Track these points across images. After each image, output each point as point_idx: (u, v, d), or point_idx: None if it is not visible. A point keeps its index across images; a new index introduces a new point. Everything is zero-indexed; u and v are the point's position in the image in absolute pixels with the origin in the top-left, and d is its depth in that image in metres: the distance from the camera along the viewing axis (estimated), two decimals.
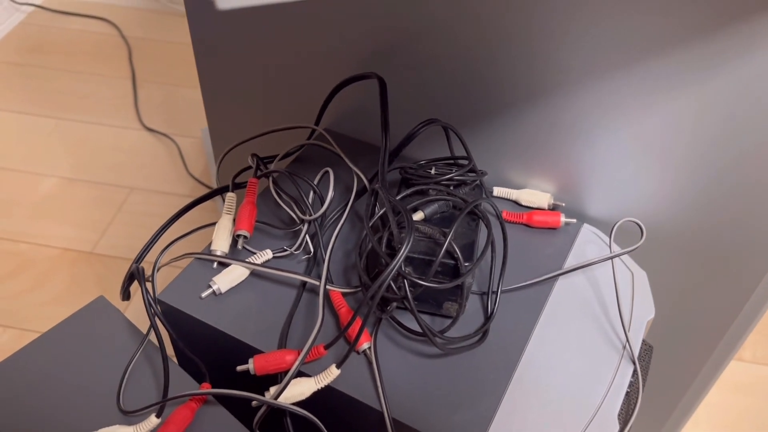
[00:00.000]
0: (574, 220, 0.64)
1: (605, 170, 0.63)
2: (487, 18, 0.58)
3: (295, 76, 0.71)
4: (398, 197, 0.57)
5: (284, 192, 0.62)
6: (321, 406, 0.50)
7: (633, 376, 0.54)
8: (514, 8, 0.56)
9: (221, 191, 0.63)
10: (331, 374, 0.50)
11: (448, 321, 0.55)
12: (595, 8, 0.54)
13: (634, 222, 0.61)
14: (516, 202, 0.65)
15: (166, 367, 0.52)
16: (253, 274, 0.58)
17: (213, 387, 0.51)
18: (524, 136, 0.64)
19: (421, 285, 0.50)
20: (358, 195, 0.64)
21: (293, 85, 0.72)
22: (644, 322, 0.58)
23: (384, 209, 0.55)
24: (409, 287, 0.51)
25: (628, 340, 0.56)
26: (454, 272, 0.53)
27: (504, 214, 0.63)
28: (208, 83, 0.78)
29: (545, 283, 0.59)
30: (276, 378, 0.51)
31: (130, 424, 0.49)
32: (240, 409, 0.51)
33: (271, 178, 0.63)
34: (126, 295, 0.58)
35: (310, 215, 0.60)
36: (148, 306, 0.53)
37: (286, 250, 0.59)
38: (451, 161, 0.61)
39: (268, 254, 0.58)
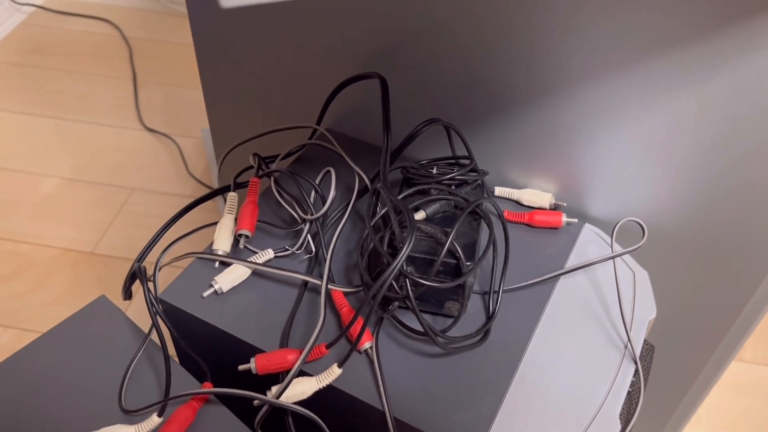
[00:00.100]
0: (576, 220, 0.64)
1: (606, 170, 0.63)
2: (488, 18, 0.58)
3: (297, 75, 0.71)
4: (400, 197, 0.57)
5: (286, 192, 0.62)
6: (323, 405, 0.50)
7: (634, 375, 0.54)
8: (515, 8, 0.56)
9: (223, 191, 0.64)
10: (332, 373, 0.50)
11: (450, 320, 0.55)
12: (596, 8, 0.54)
13: (635, 222, 0.61)
14: (517, 202, 0.66)
15: (168, 367, 0.52)
16: (255, 273, 0.58)
17: (214, 386, 0.51)
18: (525, 136, 0.64)
19: (423, 284, 0.50)
20: (360, 195, 0.64)
21: (294, 85, 0.72)
22: (646, 321, 0.58)
23: (386, 209, 0.55)
24: (410, 286, 0.51)
25: (629, 340, 0.56)
26: (456, 272, 0.53)
27: (505, 214, 0.63)
28: (210, 83, 0.78)
29: (547, 282, 0.59)
30: (277, 377, 0.51)
31: (131, 423, 0.49)
32: (242, 409, 0.51)
33: (272, 178, 0.63)
34: (128, 295, 0.58)
35: (312, 215, 0.60)
36: (150, 305, 0.54)
37: (287, 250, 0.59)
38: (453, 161, 0.61)
39: (269, 254, 0.59)
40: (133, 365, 0.52)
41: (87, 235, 1.27)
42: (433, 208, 0.56)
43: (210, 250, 0.58)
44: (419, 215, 0.55)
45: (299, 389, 0.49)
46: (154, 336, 0.54)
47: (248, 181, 0.63)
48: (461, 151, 0.64)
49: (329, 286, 0.55)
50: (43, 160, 1.40)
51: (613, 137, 0.61)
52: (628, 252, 0.60)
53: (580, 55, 0.57)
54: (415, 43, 0.62)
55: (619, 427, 0.51)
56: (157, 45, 1.71)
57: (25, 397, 0.50)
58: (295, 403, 0.49)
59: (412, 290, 0.51)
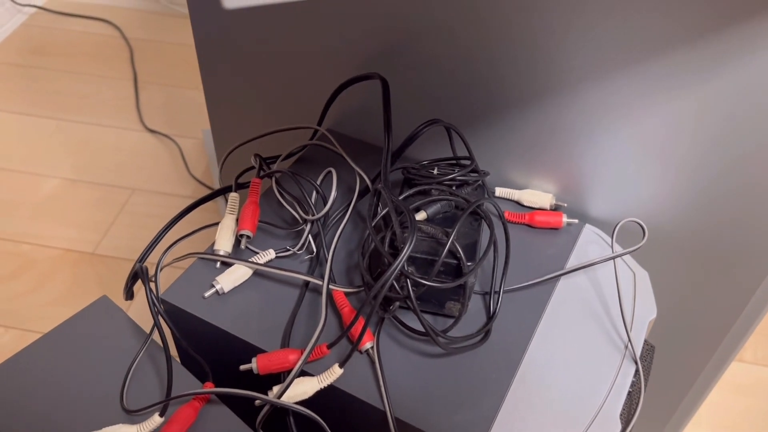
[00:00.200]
0: (576, 221, 0.64)
1: (607, 171, 0.63)
2: (488, 18, 0.58)
3: (298, 76, 0.71)
4: (401, 197, 0.57)
5: (287, 192, 0.62)
6: (324, 405, 0.50)
7: (635, 376, 0.54)
8: (515, 8, 0.56)
9: (224, 191, 0.64)
10: (333, 373, 0.50)
11: (451, 321, 0.55)
12: (596, 8, 0.54)
13: (635, 222, 0.61)
14: (518, 203, 0.66)
15: (170, 367, 0.52)
16: (256, 273, 0.58)
17: (216, 386, 0.51)
18: (526, 136, 0.64)
19: (424, 284, 0.50)
20: (361, 195, 0.64)
21: (295, 85, 0.72)
22: (646, 322, 0.58)
23: (386, 209, 0.55)
24: (411, 287, 0.51)
25: (630, 340, 0.56)
26: (457, 272, 0.53)
27: (506, 215, 0.63)
28: (211, 84, 0.78)
29: (547, 283, 0.59)
30: (279, 377, 0.51)
31: (133, 423, 0.49)
32: (243, 409, 0.51)
33: (273, 179, 0.63)
34: (129, 295, 0.58)
35: (313, 215, 0.60)
36: (151, 305, 0.54)
37: (288, 250, 0.59)
38: (454, 161, 0.61)
39: (271, 254, 0.59)
40: (134, 365, 0.52)
41: (88, 235, 1.27)
42: (434, 208, 0.56)
43: (211, 250, 0.58)
44: (420, 216, 0.55)
45: (300, 389, 0.50)
46: (156, 336, 0.54)
47: (249, 182, 0.63)
48: (462, 151, 0.64)
49: (330, 287, 0.55)
50: (44, 161, 1.41)
51: (613, 137, 0.61)
52: (629, 252, 0.60)
53: (581, 56, 0.57)
54: (416, 43, 0.62)
55: (619, 427, 0.51)
56: (157, 45, 1.71)
57: (26, 398, 0.50)
58: (296, 403, 0.49)
59: (413, 290, 0.51)
